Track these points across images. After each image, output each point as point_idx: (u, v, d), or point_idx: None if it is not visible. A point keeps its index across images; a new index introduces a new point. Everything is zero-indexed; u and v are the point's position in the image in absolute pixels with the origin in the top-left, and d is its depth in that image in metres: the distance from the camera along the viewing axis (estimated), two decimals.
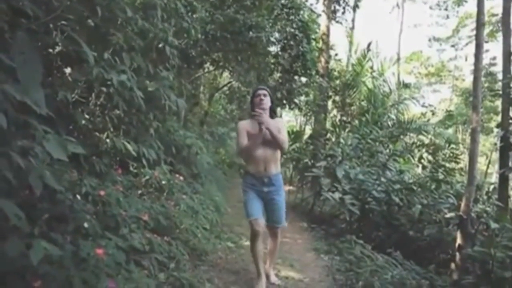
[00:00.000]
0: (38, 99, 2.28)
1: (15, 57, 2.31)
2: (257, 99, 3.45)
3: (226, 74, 14.07)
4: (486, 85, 19.24)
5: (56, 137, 2.08)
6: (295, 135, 11.25)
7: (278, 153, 3.45)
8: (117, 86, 3.76)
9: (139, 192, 3.91)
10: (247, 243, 5.02)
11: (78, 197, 2.67)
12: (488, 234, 5.60)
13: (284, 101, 9.83)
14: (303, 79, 10.15)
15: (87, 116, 4.07)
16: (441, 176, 7.60)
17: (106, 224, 2.79)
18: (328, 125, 13.24)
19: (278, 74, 10.04)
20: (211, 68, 9.79)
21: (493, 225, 5.19)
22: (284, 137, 3.39)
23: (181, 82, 6.63)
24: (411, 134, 12.22)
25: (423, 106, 15.68)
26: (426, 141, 13.19)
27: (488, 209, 5.74)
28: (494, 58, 21.58)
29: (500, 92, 11.51)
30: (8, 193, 1.90)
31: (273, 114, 3.56)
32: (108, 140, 4.19)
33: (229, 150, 17.57)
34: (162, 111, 5.33)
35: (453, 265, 5.84)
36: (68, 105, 3.63)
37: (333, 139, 11.38)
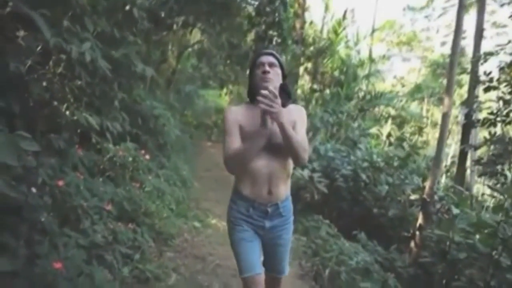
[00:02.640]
0: None
1: None
2: (259, 70, 1.98)
3: (196, 31, 13.47)
4: None
5: (7, 137, 1.81)
6: None
7: (291, 165, 2.01)
8: (79, 57, 3.42)
9: (102, 174, 3.66)
10: (214, 221, 4.97)
11: (34, 189, 2.43)
12: (448, 217, 5.80)
13: None
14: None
15: (44, 84, 3.70)
16: (406, 150, 7.78)
17: (65, 217, 2.59)
18: (298, 92, 13.12)
19: (252, 38, 9.66)
20: (181, 28, 9.27)
21: (455, 210, 5.36)
22: (302, 139, 1.92)
23: (149, 47, 6.20)
24: (381, 107, 12.37)
25: (394, 77, 15.86)
26: (393, 113, 13.46)
27: (450, 194, 5.92)
28: (464, 31, 21.85)
29: (468, 70, 11.73)
30: None
31: (285, 98, 1.99)
32: (68, 113, 3.87)
33: (197, 109, 17.19)
34: (128, 80, 4.99)
35: (412, 244, 6.09)
36: (22, 75, 3.26)
37: (303, 104, 11.31)
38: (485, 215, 6.16)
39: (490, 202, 8.40)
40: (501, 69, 7.68)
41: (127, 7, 4.77)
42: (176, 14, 7.12)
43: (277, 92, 1.82)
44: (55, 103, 3.84)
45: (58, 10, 3.50)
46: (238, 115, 1.98)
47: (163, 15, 6.47)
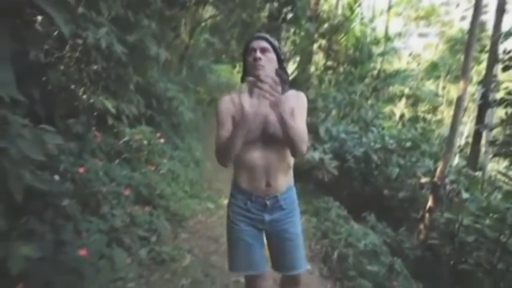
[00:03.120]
0: (6, 80, 2.07)
1: None
2: (251, 57, 1.83)
3: (209, 5, 13.33)
4: None
5: (33, 131, 1.92)
6: None
7: (290, 156, 1.86)
8: (95, 43, 3.49)
9: (119, 156, 3.79)
10: (226, 201, 5.10)
11: (56, 177, 2.56)
12: (458, 201, 5.85)
13: None
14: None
15: (61, 68, 3.79)
16: (419, 130, 7.74)
17: (85, 203, 2.73)
18: (312, 69, 12.99)
19: (265, 15, 9.53)
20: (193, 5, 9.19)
21: (465, 194, 5.40)
22: (300, 127, 1.74)
23: (162, 27, 6.21)
24: (395, 86, 12.21)
25: (409, 55, 15.54)
26: (408, 92, 13.29)
27: (461, 177, 5.94)
28: (486, 5, 21.08)
29: (487, 48, 11.43)
30: None
31: (282, 83, 1.72)
32: (85, 97, 3.97)
33: (209, 84, 17.18)
34: (142, 62, 5.05)
35: (422, 226, 6.19)
36: (40, 63, 3.35)
37: (316, 83, 11.22)
38: (497, 197, 6.21)
39: (504, 184, 8.37)
40: None
41: None
42: None
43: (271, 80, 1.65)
44: (72, 86, 3.93)
45: None
46: (231, 105, 1.84)
47: None
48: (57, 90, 3.73)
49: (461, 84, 5.84)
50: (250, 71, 1.82)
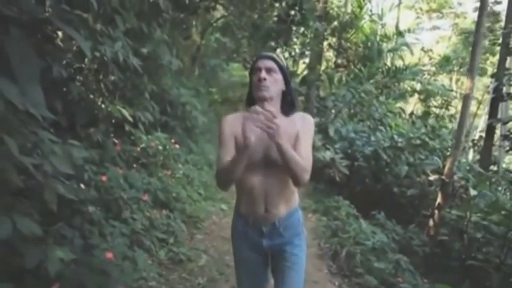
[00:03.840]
0: (38, 100, 2.29)
1: (11, 56, 2.27)
2: (256, 76, 1.77)
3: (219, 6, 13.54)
4: (487, 25, 18.75)
5: (62, 147, 2.15)
6: None
7: (290, 183, 1.78)
8: (112, 56, 3.72)
9: (136, 162, 4.03)
10: None
11: (82, 185, 2.79)
12: (467, 197, 5.94)
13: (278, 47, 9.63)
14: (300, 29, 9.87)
15: (80, 79, 4.05)
16: (429, 128, 7.79)
17: (108, 209, 2.96)
18: (323, 67, 13.10)
19: (275, 14, 9.69)
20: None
21: (472, 191, 5.49)
22: (304, 157, 1.72)
23: (174, 36, 6.43)
24: (406, 82, 12.22)
25: (421, 49, 15.48)
26: (419, 87, 13.27)
27: (469, 175, 6.03)
28: None
29: (499, 41, 11.34)
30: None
31: (288, 105, 1.85)
32: (103, 106, 4.21)
33: (221, 83, 17.41)
34: (156, 71, 5.29)
35: (431, 222, 6.29)
36: (62, 76, 3.59)
37: (326, 82, 11.35)
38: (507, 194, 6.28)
39: None
40: None
41: None
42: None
43: (277, 102, 1.78)
44: (91, 96, 4.19)
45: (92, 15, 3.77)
46: (234, 126, 1.78)
47: (187, 1, 6.67)
48: (77, 100, 3.98)
49: (468, 82, 5.92)
50: (254, 91, 1.78)
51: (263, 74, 1.74)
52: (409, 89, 12.57)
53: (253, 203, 1.79)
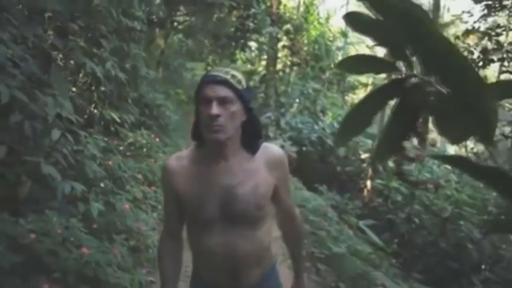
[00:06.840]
0: (70, 110, 3.49)
1: (52, 80, 3.45)
2: (205, 110, 1.24)
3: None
4: None
5: (93, 139, 3.36)
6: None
7: (268, 235, 1.41)
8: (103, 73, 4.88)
9: (127, 154, 5.23)
10: None
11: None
12: (389, 170, 7.52)
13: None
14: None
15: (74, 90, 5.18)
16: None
17: (115, 183, 4.17)
18: (280, 66, 14.53)
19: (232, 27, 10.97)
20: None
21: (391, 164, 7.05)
22: (291, 207, 1.52)
23: (148, 49, 7.56)
24: (352, 77, 13.82)
25: (366, 46, 17.18)
26: (365, 81, 14.96)
27: None
28: None
29: None
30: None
31: (252, 138, 1.37)
32: (96, 111, 5.37)
33: (185, 83, 18.35)
34: (135, 81, 6.46)
35: (365, 192, 7.84)
36: None
37: (281, 80, 12.74)
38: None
39: None
40: None
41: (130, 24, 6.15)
42: (167, 17, 8.45)
43: (238, 135, 1.32)
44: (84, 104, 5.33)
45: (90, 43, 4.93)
46: (176, 176, 1.35)
47: (155, 19, 7.78)
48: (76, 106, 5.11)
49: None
50: (204, 130, 1.28)
51: (215, 109, 1.21)
52: (356, 83, 14.20)
53: (214, 270, 1.39)
